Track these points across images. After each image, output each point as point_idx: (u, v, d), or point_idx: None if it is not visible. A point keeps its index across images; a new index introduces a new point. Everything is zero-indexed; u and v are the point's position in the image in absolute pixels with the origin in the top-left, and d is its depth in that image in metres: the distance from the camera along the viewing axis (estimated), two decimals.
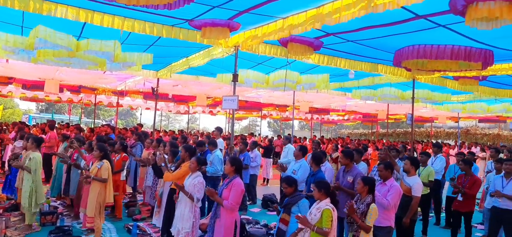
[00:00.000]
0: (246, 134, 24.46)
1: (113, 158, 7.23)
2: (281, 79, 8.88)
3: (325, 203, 4.19)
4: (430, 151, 11.46)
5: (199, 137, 13.39)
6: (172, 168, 5.89)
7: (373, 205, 4.43)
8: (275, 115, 27.55)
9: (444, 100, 12.91)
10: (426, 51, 5.86)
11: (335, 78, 10.47)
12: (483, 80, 9.01)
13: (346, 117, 27.51)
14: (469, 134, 29.48)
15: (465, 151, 13.49)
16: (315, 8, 5.00)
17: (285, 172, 6.72)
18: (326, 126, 41.46)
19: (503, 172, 6.33)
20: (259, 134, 26.64)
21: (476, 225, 8.04)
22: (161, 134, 19.60)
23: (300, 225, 4.24)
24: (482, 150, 18.26)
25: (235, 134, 27.24)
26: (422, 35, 5.78)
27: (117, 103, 17.69)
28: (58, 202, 8.15)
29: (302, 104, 17.19)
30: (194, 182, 4.96)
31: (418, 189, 5.60)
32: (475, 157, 12.14)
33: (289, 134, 12.66)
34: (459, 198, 6.58)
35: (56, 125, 13.55)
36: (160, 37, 6.65)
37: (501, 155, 9.78)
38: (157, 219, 6.17)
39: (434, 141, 18.20)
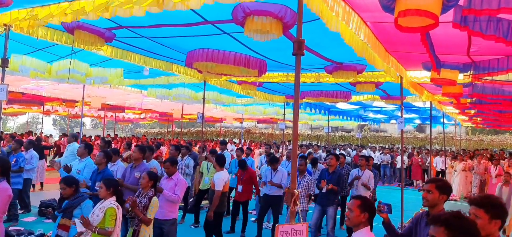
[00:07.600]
0: (23, 133, 20.81)
1: None
2: (66, 70, 7.96)
3: (109, 202, 4.01)
4: (218, 148, 12.56)
5: None
6: None
7: (154, 199, 4.57)
8: (61, 111, 24.50)
9: (231, 102, 14.42)
10: (214, 55, 6.38)
11: (130, 74, 10.14)
12: (260, 86, 10.53)
13: (142, 116, 27.04)
14: (251, 133, 34.03)
15: (245, 148, 15.40)
16: None
17: (70, 172, 6.06)
18: (121, 124, 39.68)
19: None
20: (41, 133, 23.06)
21: (251, 211, 9.32)
22: None
23: (80, 229, 3.89)
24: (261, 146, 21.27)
25: (8, 132, 22.77)
26: (211, 40, 6.25)
27: None
28: None
29: (93, 100, 15.85)
30: None
31: (219, 183, 6.06)
32: (252, 152, 14.07)
33: (77, 132, 11.46)
34: (239, 190, 7.46)
35: None
36: None
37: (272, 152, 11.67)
38: None
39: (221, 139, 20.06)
